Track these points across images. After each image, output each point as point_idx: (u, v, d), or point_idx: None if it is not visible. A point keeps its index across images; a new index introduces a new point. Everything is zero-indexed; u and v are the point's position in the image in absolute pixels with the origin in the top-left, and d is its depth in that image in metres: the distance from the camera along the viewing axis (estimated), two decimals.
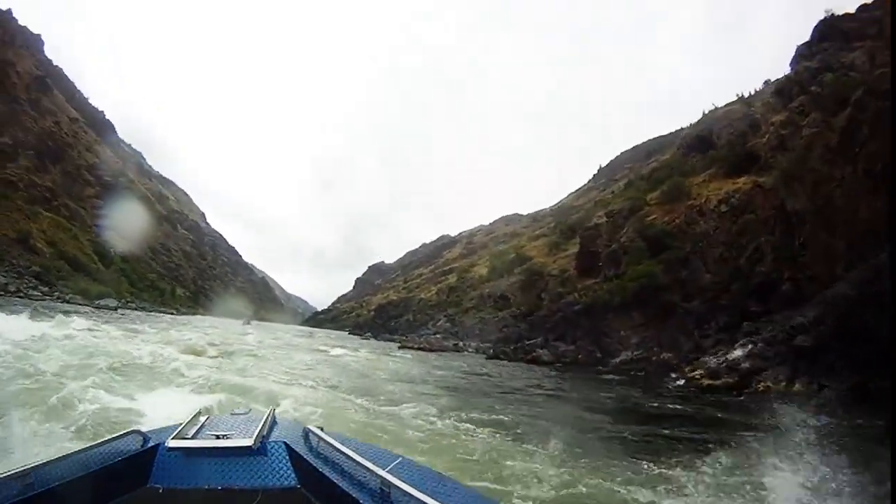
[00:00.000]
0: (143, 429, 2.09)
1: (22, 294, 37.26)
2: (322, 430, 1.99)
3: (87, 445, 1.85)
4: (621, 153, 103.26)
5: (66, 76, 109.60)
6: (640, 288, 30.62)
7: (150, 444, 1.98)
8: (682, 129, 75.75)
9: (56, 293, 41.87)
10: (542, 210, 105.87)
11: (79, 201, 77.78)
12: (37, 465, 1.66)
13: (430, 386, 13.87)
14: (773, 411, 8.73)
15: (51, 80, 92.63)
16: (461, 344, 39.32)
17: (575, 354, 30.50)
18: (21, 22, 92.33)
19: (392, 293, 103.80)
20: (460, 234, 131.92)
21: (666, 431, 9.07)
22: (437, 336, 43.70)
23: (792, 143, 30.01)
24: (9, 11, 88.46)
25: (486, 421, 8.47)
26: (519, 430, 7.83)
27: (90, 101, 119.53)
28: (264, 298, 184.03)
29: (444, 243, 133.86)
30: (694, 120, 64.80)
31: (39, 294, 39.30)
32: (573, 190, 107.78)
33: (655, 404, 13.29)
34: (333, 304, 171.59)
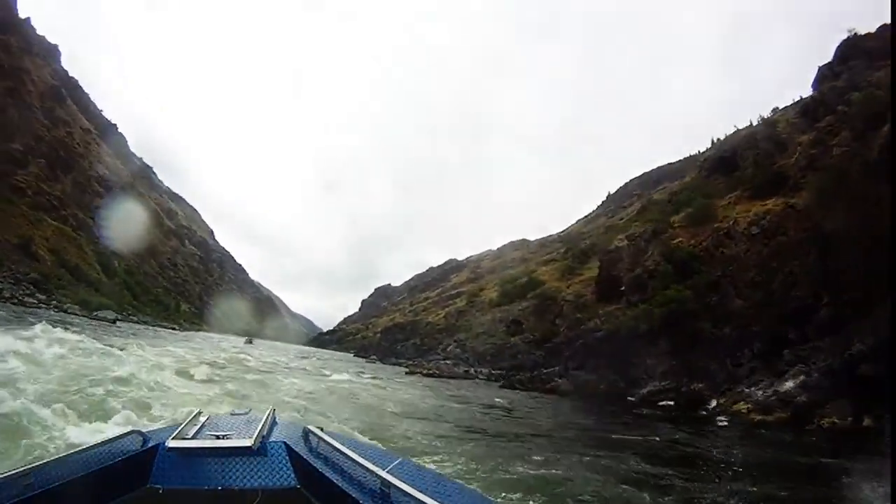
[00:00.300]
0: (143, 429, 2.09)
1: (17, 300, 35.73)
2: (322, 430, 1.97)
3: (87, 445, 1.86)
4: (630, 180, 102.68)
5: (80, 87, 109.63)
6: (668, 313, 28.55)
7: (150, 444, 1.97)
8: (691, 155, 78.12)
9: (53, 302, 40.53)
10: (549, 236, 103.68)
11: (87, 211, 76.84)
12: (37, 466, 1.67)
13: (449, 425, 11.91)
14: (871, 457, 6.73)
15: (66, 91, 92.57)
16: (472, 371, 37.08)
17: (596, 384, 28.31)
18: (39, 31, 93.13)
19: (398, 316, 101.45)
20: (468, 258, 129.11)
21: (759, 489, 7.01)
22: (447, 362, 41.36)
23: (822, 163, 28.73)
24: (27, 20, 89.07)
25: (534, 483, 6.47)
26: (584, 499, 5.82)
27: (104, 113, 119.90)
28: (270, 317, 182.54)
29: (452, 267, 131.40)
30: (703, 147, 65.18)
31: (35, 301, 37.90)
32: (581, 216, 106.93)
33: (720, 449, 11.19)
34: (339, 325, 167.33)
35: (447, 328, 60.58)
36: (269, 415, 2.23)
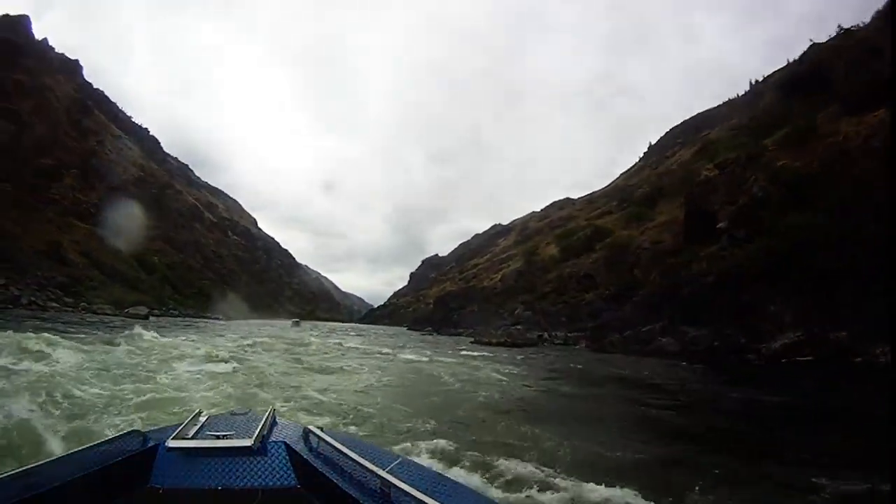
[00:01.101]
0: (143, 429, 2.08)
1: (36, 306, 34.90)
2: (322, 429, 1.97)
3: (87, 445, 1.84)
4: (671, 129, 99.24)
5: (107, 98, 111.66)
6: (792, 247, 22.80)
7: (150, 444, 1.96)
8: (730, 99, 79.88)
9: (82, 304, 39.87)
10: (593, 192, 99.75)
11: (125, 214, 76.94)
12: (37, 466, 1.65)
13: (577, 423, 7.58)
14: None
15: (91, 103, 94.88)
16: (546, 335, 32.29)
17: (710, 340, 23.00)
18: (58, 49, 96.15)
19: (449, 284, 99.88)
20: (512, 222, 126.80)
21: None
22: (518, 327, 36.57)
23: None
24: (44, 41, 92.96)
25: None
26: None
27: (133, 119, 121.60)
28: (319, 298, 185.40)
29: (498, 232, 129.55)
30: (741, 90, 70.09)
31: (58, 306, 37.08)
32: (622, 171, 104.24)
33: None
34: (389, 299, 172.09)
35: (506, 291, 56.04)
36: (269, 414, 2.17)
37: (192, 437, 1.93)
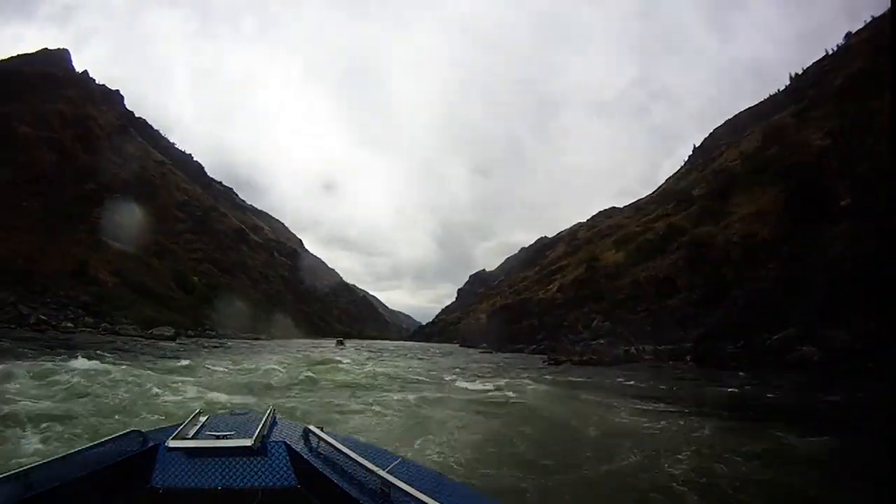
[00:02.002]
0: (143, 429, 2.05)
1: (48, 325, 33.77)
2: (322, 429, 1.94)
3: (87, 446, 1.83)
4: (714, 129, 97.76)
5: (150, 126, 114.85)
6: None
7: (150, 444, 1.95)
8: (772, 95, 78.60)
9: (104, 324, 38.56)
10: (639, 199, 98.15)
11: (169, 236, 77.77)
12: (37, 466, 1.64)
13: None
14: None
15: (133, 129, 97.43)
16: (633, 349, 27.35)
17: (851, 344, 17.66)
18: (99, 81, 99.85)
19: (499, 299, 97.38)
20: (558, 234, 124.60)
21: None
22: (600, 342, 31.49)
23: None
24: (85, 73, 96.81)
25: None
26: None
27: (177, 145, 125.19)
28: (367, 316, 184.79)
29: (544, 244, 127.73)
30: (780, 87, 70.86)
31: (72, 326, 35.80)
32: (667, 176, 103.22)
33: None
34: (437, 316, 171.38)
35: (567, 302, 51.07)
36: (269, 414, 2.17)
37: (193, 438, 1.90)
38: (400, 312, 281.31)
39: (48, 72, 79.17)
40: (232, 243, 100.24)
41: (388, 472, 1.58)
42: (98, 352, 16.50)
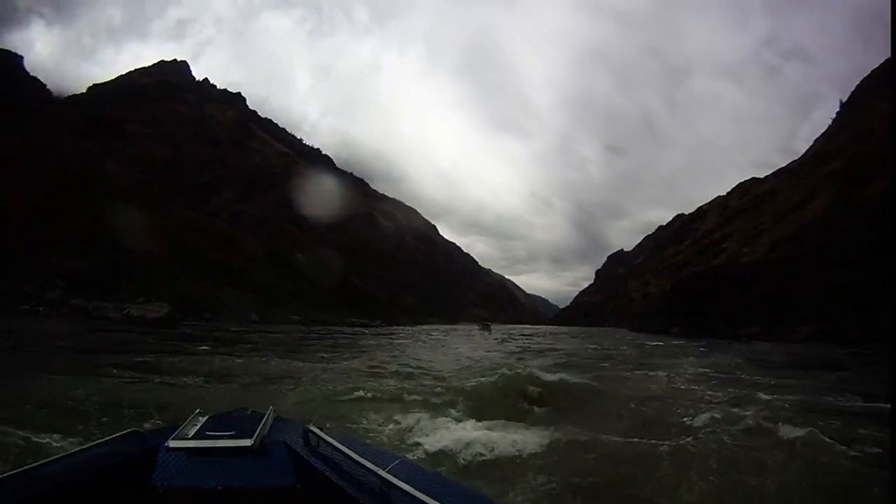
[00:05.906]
0: (143, 429, 2.06)
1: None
2: (322, 429, 1.94)
3: (87, 445, 1.84)
4: (865, 77, 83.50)
5: (275, 123, 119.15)
6: None
7: (150, 444, 1.95)
8: None
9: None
10: (792, 162, 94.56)
11: (291, 224, 78.07)
12: (37, 466, 1.62)
13: None
14: None
15: (254, 126, 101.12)
16: None
17: None
18: (220, 86, 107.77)
19: (651, 276, 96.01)
20: (698, 208, 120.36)
21: None
22: None
23: None
24: (205, 80, 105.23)
25: None
26: None
27: (304, 141, 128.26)
28: (504, 301, 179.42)
29: (685, 221, 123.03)
30: None
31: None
32: (812, 139, 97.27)
33: None
34: (576, 298, 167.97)
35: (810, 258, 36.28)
36: (269, 414, 2.16)
37: (193, 438, 1.91)
38: (536, 296, 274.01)
39: (165, 80, 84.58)
40: (361, 227, 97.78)
41: (388, 472, 1.57)
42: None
